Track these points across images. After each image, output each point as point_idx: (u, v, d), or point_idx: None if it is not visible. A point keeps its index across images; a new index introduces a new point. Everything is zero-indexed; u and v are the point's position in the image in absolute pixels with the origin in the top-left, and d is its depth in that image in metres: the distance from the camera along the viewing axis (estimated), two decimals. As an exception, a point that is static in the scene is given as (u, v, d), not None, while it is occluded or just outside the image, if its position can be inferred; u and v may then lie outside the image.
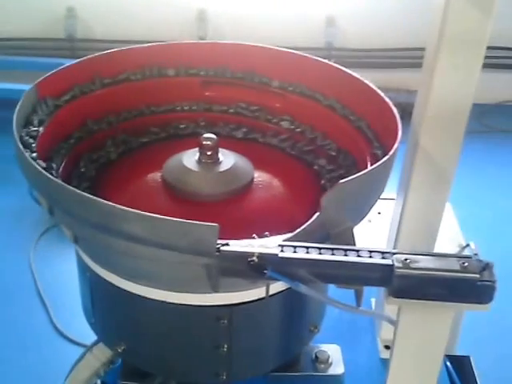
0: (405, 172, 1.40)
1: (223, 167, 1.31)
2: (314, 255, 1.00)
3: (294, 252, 1.00)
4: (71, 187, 1.05)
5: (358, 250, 1.01)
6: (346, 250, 1.02)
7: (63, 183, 1.07)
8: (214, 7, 3.63)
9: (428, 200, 1.34)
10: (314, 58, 1.48)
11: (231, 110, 1.56)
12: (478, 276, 0.98)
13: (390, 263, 0.99)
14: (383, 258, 1.00)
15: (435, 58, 1.21)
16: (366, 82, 1.38)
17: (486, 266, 0.99)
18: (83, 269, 1.30)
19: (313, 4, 3.79)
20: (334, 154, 1.44)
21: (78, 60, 1.44)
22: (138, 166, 1.40)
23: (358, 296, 1.09)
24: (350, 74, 1.42)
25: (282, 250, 1.00)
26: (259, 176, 1.37)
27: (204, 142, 1.30)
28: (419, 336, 1.06)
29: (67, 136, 1.38)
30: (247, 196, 1.33)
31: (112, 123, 1.47)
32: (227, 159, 1.33)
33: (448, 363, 1.63)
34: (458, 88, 1.21)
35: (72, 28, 3.54)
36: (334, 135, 1.45)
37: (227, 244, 1.01)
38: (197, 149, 1.32)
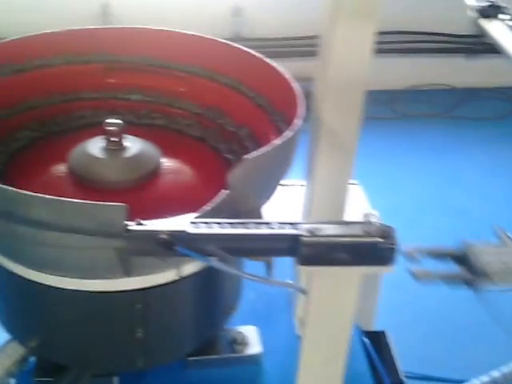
0: (311, 150, 1.47)
1: (129, 153, 1.35)
2: (222, 230, 1.06)
3: (203, 228, 1.06)
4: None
5: (267, 223, 1.08)
6: (255, 224, 1.08)
7: None
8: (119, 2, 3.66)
9: (334, 173, 1.42)
10: (216, 39, 1.54)
11: (135, 97, 1.60)
12: (379, 240, 1.06)
13: (297, 233, 1.06)
14: (289, 228, 1.07)
15: (330, 35, 1.29)
16: (268, 60, 1.44)
17: (387, 231, 1.08)
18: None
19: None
20: (239, 135, 1.50)
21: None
22: (45, 157, 1.42)
23: (269, 268, 1.16)
24: (252, 54, 1.48)
25: (190, 227, 1.06)
26: (167, 161, 1.42)
27: (108, 128, 1.34)
28: (330, 301, 1.14)
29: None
30: (156, 181, 1.37)
31: (17, 113, 1.49)
32: (133, 145, 1.37)
33: (365, 339, 1.72)
34: (352, 62, 1.30)
35: None
36: (238, 116, 1.51)
37: (136, 224, 1.05)
38: (102, 136, 1.36)
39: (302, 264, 1.07)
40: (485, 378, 1.52)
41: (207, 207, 1.11)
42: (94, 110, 1.59)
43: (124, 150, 1.35)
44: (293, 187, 1.86)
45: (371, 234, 1.07)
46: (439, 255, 1.07)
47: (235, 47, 1.52)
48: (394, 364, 1.75)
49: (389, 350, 1.80)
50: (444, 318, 2.83)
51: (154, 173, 1.38)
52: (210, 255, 1.06)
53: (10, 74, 1.50)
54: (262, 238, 1.07)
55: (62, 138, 1.53)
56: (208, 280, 1.31)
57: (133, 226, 1.04)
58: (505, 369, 1.51)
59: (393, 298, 2.66)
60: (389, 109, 4.34)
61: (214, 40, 1.55)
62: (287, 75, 1.39)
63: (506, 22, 1.42)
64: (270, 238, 1.07)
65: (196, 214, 1.11)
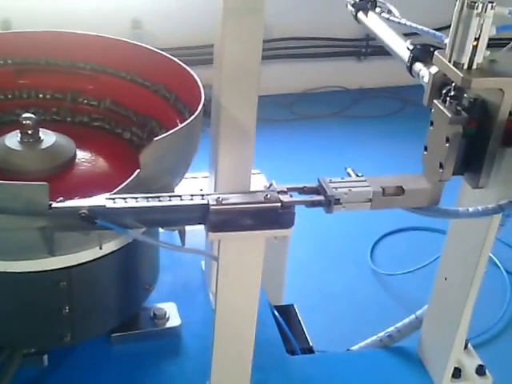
0: (213, 135, 1.56)
1: (45, 145, 1.41)
2: (138, 203, 1.14)
3: (120, 202, 1.14)
4: None
5: (175, 196, 1.17)
6: (164, 197, 1.16)
7: None
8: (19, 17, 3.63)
9: (236, 161, 1.51)
10: (117, 38, 1.62)
11: (47, 96, 1.66)
12: (278, 205, 1.17)
13: (206, 202, 1.15)
14: (197, 199, 1.16)
15: (222, 28, 1.38)
16: (169, 56, 1.53)
17: (287, 201, 1.19)
18: None
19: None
20: (147, 124, 1.58)
21: None
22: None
23: (182, 236, 1.24)
24: (153, 50, 1.57)
25: (109, 202, 1.13)
26: (80, 152, 1.48)
27: (24, 122, 1.39)
28: (238, 264, 1.23)
29: None
30: (71, 170, 1.44)
31: None
32: (48, 138, 1.43)
33: (275, 312, 1.82)
34: (244, 51, 1.39)
35: None
36: (144, 108, 1.60)
37: (58, 201, 1.12)
38: (18, 131, 1.41)
39: (211, 231, 1.16)
40: (380, 334, 1.65)
41: (123, 185, 1.19)
42: (8, 109, 1.63)
43: (40, 142, 1.41)
44: (198, 179, 1.96)
45: (271, 200, 1.17)
46: (304, 191, 1.19)
47: (136, 45, 1.60)
48: (303, 333, 1.86)
49: (298, 321, 1.90)
50: (348, 301, 2.99)
51: (70, 162, 1.43)
52: (128, 227, 1.13)
53: None
54: (175, 208, 1.15)
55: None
56: (127, 257, 1.38)
57: (55, 203, 1.11)
58: (399, 325, 1.65)
59: (300, 282, 2.81)
60: (288, 111, 4.50)
61: (114, 39, 1.63)
62: (188, 68, 1.48)
63: (379, 14, 1.55)
64: (182, 209, 1.15)
65: (113, 192, 1.18)
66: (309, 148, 4.27)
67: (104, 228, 1.12)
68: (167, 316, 1.58)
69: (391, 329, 1.65)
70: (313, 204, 1.18)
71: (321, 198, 1.18)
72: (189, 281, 1.76)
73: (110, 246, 1.31)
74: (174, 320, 1.58)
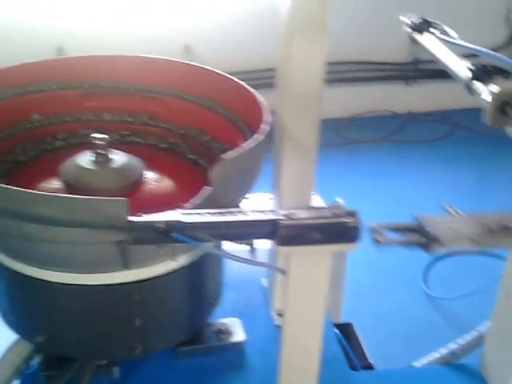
0: (277, 155, 1.60)
1: (116, 164, 1.46)
2: (211, 218, 1.18)
3: (194, 217, 1.18)
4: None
5: (246, 212, 1.20)
6: (236, 213, 1.20)
7: None
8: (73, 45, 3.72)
9: (298, 172, 1.55)
10: (186, 62, 1.67)
11: (114, 118, 1.72)
12: (345, 220, 1.20)
13: (276, 218, 1.18)
14: (268, 215, 1.20)
15: (286, 51, 1.42)
16: (234, 78, 1.58)
17: (352, 213, 1.21)
18: (-4, 270, 1.39)
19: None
20: (210, 145, 1.63)
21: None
22: (38, 172, 1.52)
23: (252, 251, 1.27)
24: (220, 74, 1.62)
25: (183, 217, 1.17)
26: (148, 172, 1.53)
27: (95, 142, 1.44)
28: (306, 277, 1.26)
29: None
30: (140, 189, 1.48)
31: (11, 134, 1.59)
32: (118, 158, 1.48)
33: (335, 329, 1.84)
34: (308, 74, 1.43)
35: None
36: (209, 130, 1.64)
37: (136, 216, 1.16)
38: (89, 151, 1.46)
39: (281, 245, 1.19)
40: (443, 350, 1.65)
41: (195, 201, 1.23)
42: (78, 130, 1.69)
43: (110, 161, 1.46)
44: (262, 200, 1.99)
45: (339, 215, 1.20)
46: (398, 229, 1.20)
47: (203, 68, 1.65)
48: (362, 350, 1.86)
49: (357, 339, 1.91)
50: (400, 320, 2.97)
51: (139, 182, 1.48)
52: (201, 240, 1.17)
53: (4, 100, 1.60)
54: (246, 223, 1.18)
55: (51, 156, 1.62)
56: (196, 272, 1.42)
57: (134, 218, 1.15)
58: (461, 341, 1.65)
59: (354, 305, 2.81)
60: (336, 135, 4.52)
61: (182, 63, 1.68)
62: (252, 90, 1.52)
63: (436, 34, 1.58)
64: (253, 223, 1.19)
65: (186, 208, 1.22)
66: (357, 173, 4.27)
67: (179, 241, 1.16)
68: (231, 331, 1.60)
69: (452, 345, 1.65)
70: (410, 243, 1.17)
71: (419, 237, 1.16)
72: (250, 297, 1.79)
73: (179, 261, 1.35)
74: (238, 335, 1.60)
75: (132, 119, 1.73)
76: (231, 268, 1.63)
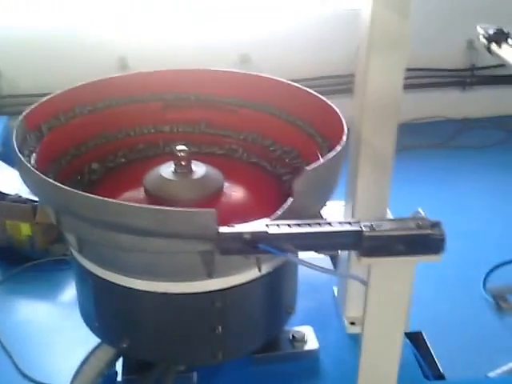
0: (352, 165, 1.61)
1: (197, 175, 1.49)
2: (296, 229, 1.19)
3: (279, 228, 1.20)
4: (84, 193, 1.20)
5: (330, 223, 1.22)
6: (320, 224, 1.22)
7: (77, 190, 1.21)
8: (135, 55, 3.78)
9: (374, 181, 1.55)
10: (262, 75, 1.69)
11: (194, 130, 1.75)
12: (429, 232, 1.20)
13: (360, 229, 1.19)
14: (352, 226, 1.21)
15: (366, 61, 1.44)
16: (310, 90, 1.59)
17: (436, 224, 1.22)
18: (85, 277, 1.43)
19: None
20: (287, 156, 1.64)
21: (57, 93, 1.59)
22: (121, 181, 1.56)
23: (334, 261, 1.28)
24: (296, 86, 1.63)
25: (269, 228, 1.19)
26: (228, 183, 1.55)
27: (178, 154, 1.47)
28: (388, 288, 1.26)
29: (56, 158, 1.53)
30: (220, 199, 1.50)
31: (92, 147, 1.63)
32: (199, 169, 1.50)
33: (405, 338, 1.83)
34: (387, 85, 1.44)
35: (-3, 86, 3.66)
36: (285, 141, 1.65)
37: (223, 227, 1.18)
38: (172, 162, 1.49)
39: (364, 256, 1.20)
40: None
41: (279, 212, 1.24)
42: (156, 142, 1.73)
43: (192, 172, 1.49)
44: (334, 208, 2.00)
45: (423, 227, 1.20)
46: None
47: (277, 80, 1.67)
48: (433, 360, 1.85)
49: (427, 348, 1.90)
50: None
51: (218, 192, 1.50)
52: (287, 251, 1.19)
53: (90, 113, 1.65)
54: (330, 234, 1.19)
55: (132, 166, 1.66)
56: (275, 281, 1.44)
57: (222, 228, 1.17)
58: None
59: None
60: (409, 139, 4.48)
61: (259, 76, 1.71)
62: (329, 102, 1.53)
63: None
64: (337, 234, 1.20)
65: (269, 219, 1.24)
66: (411, 178, 4.23)
67: (265, 252, 1.18)
68: (305, 339, 1.62)
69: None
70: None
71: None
72: (322, 305, 1.80)
73: (257, 272, 1.37)
74: (311, 343, 1.62)
75: (208, 130, 1.75)
76: (302, 275, 1.65)
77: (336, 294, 1.82)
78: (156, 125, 1.75)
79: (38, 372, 2.02)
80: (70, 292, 3.18)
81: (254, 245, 1.17)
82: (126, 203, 1.17)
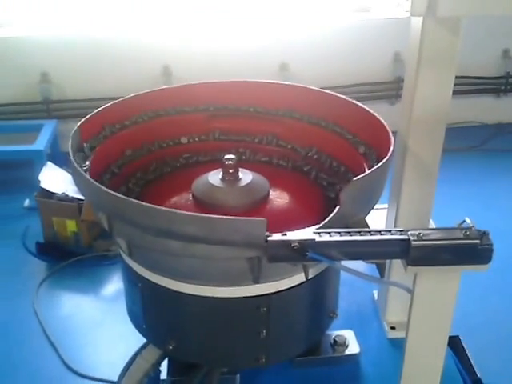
0: (396, 173, 1.59)
1: (244, 183, 1.48)
2: (343, 237, 1.18)
3: (327, 236, 1.18)
4: (135, 200, 1.21)
5: (379, 231, 1.20)
6: (369, 232, 1.20)
7: (128, 198, 1.22)
8: (177, 63, 3.79)
9: (419, 191, 1.53)
10: (305, 86, 1.69)
11: (239, 138, 1.75)
12: (478, 241, 1.17)
13: (407, 238, 1.18)
14: (400, 235, 1.19)
15: (416, 74, 1.42)
16: (356, 102, 1.58)
17: (484, 234, 1.19)
18: (134, 281, 1.43)
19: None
20: (331, 165, 1.63)
21: (110, 104, 1.60)
22: (169, 188, 1.56)
23: (382, 270, 1.27)
24: (342, 98, 1.62)
25: (317, 236, 1.18)
26: (273, 190, 1.55)
27: (226, 162, 1.47)
28: (433, 297, 1.24)
29: (108, 167, 1.54)
30: (266, 206, 1.50)
31: (141, 155, 1.64)
32: (246, 176, 1.50)
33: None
34: (436, 96, 1.43)
35: (47, 91, 3.70)
36: (328, 150, 1.65)
37: (272, 235, 1.18)
38: (219, 169, 1.49)
39: (411, 265, 1.18)
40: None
41: (327, 220, 1.23)
42: (203, 150, 1.73)
43: (239, 180, 1.48)
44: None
45: (471, 237, 1.18)
46: None
47: (322, 92, 1.66)
48: (470, 364, 1.82)
49: (464, 352, 1.87)
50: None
51: (264, 199, 1.50)
52: (334, 259, 1.18)
53: (140, 123, 1.67)
54: (378, 243, 1.18)
55: (180, 174, 1.66)
56: (318, 286, 1.43)
57: (271, 237, 1.17)
58: None
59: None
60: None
61: (297, 86, 1.71)
62: (374, 113, 1.52)
63: None
64: (384, 243, 1.18)
65: (316, 227, 1.23)
66: (447, 180, 4.19)
67: (313, 260, 1.17)
68: (346, 343, 1.60)
69: None
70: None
71: None
72: (362, 309, 1.78)
73: (302, 277, 1.35)
74: (352, 347, 1.60)
75: (252, 139, 1.74)
76: (342, 278, 1.64)
77: (376, 298, 1.80)
78: (202, 134, 1.75)
79: (81, 365, 2.05)
80: (112, 287, 3.21)
81: (303, 253, 1.16)
82: (178, 211, 1.17)
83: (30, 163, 3.49)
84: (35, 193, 2.98)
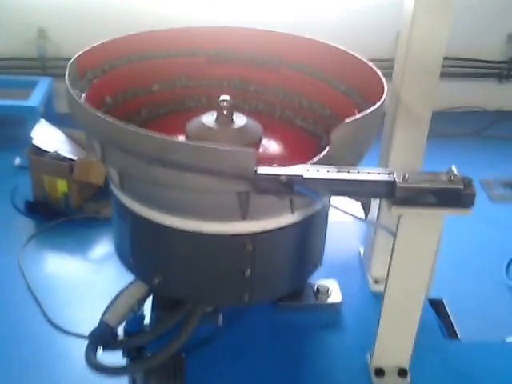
0: (389, 118, 1.62)
1: (238, 125, 1.51)
2: (332, 175, 1.22)
3: (315, 173, 1.22)
4: (128, 126, 1.23)
5: (367, 171, 1.24)
6: (356, 171, 1.24)
7: (121, 123, 1.24)
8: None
9: (410, 141, 1.56)
10: (305, 36, 1.71)
11: (234, 85, 1.77)
12: (461, 187, 1.21)
13: (393, 179, 1.21)
14: (386, 175, 1.23)
15: (412, 20, 1.44)
16: (351, 51, 1.60)
17: (468, 181, 1.23)
18: (123, 214, 1.46)
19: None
20: (322, 114, 1.66)
21: (109, 40, 1.63)
22: (164, 129, 1.59)
23: (366, 210, 1.30)
24: (336, 47, 1.64)
25: (305, 172, 1.21)
26: (265, 137, 1.58)
27: (221, 104, 1.50)
28: (415, 240, 1.28)
29: (103, 103, 1.57)
30: (259, 149, 1.53)
31: (141, 94, 1.67)
32: (240, 120, 1.53)
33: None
34: (431, 44, 1.45)
35: (43, 48, 3.70)
36: (321, 100, 1.67)
37: (260, 168, 1.21)
38: (214, 111, 1.52)
39: (396, 205, 1.22)
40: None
41: (315, 159, 1.26)
42: (200, 95, 1.76)
43: (233, 122, 1.51)
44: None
45: (455, 182, 1.22)
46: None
47: (317, 41, 1.68)
48: (452, 326, 1.86)
49: (447, 314, 1.91)
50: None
51: (257, 144, 1.53)
52: (320, 194, 1.21)
53: (138, 61, 1.69)
54: (364, 182, 1.22)
55: (175, 116, 1.69)
56: (304, 231, 1.46)
57: (260, 168, 1.20)
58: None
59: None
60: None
61: (295, 36, 1.73)
62: (369, 62, 1.54)
63: None
64: (371, 183, 1.22)
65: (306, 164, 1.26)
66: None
67: (300, 194, 1.20)
68: (329, 292, 1.64)
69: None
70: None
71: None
72: (347, 263, 1.82)
73: (290, 219, 1.39)
74: (335, 296, 1.64)
75: (248, 87, 1.77)
76: (330, 236, 1.67)
77: (362, 253, 1.83)
78: (199, 78, 1.77)
79: (65, 322, 2.07)
80: (100, 249, 3.24)
81: (290, 186, 1.20)
82: (169, 138, 1.19)
83: (23, 121, 3.46)
84: (27, 150, 2.97)
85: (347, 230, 1.93)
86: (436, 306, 1.89)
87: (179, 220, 1.36)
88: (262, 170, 1.20)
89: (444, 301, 1.94)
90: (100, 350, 1.48)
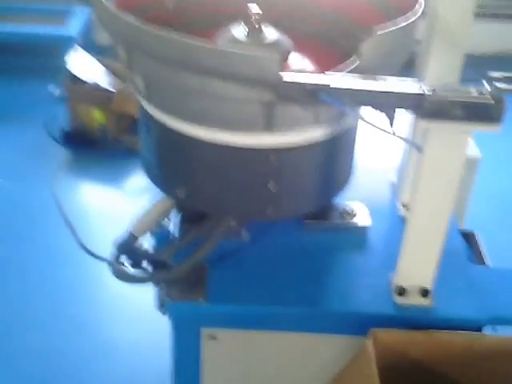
0: (426, 38, 1.57)
1: (268, 39, 1.49)
2: (360, 85, 1.20)
3: (343, 82, 1.20)
4: (153, 28, 1.23)
5: (394, 82, 1.22)
6: (385, 82, 1.22)
7: (146, 26, 1.24)
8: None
9: (446, 61, 1.52)
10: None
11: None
12: (492, 102, 1.19)
13: (422, 91, 1.19)
14: (416, 87, 1.21)
15: None
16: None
17: (498, 95, 1.20)
18: (149, 125, 1.48)
19: None
20: (354, 31, 1.63)
21: None
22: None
23: (391, 121, 1.28)
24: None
25: (331, 81, 1.20)
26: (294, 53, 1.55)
27: (251, 15, 1.47)
28: (442, 157, 1.27)
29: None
30: (287, 66, 1.51)
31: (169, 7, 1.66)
32: (270, 33, 1.50)
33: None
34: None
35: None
36: (356, 16, 1.64)
37: (287, 74, 1.20)
38: (244, 24, 1.49)
39: (424, 118, 1.20)
40: None
41: (343, 68, 1.25)
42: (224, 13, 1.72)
43: (262, 36, 1.49)
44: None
45: (485, 96, 1.19)
46: None
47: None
48: (482, 259, 1.85)
49: (478, 247, 1.90)
50: None
51: (286, 59, 1.51)
52: (347, 105, 1.20)
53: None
54: (393, 93, 1.20)
55: (204, 31, 1.67)
56: (332, 148, 1.46)
57: (285, 74, 1.19)
58: None
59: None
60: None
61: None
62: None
63: None
64: (400, 94, 1.20)
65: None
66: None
67: (325, 103, 1.19)
68: (356, 213, 1.64)
69: None
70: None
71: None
72: (378, 189, 1.82)
73: (316, 134, 1.38)
74: (363, 218, 1.64)
75: (275, 3, 1.74)
76: (361, 162, 1.67)
77: (395, 180, 1.82)
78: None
79: (95, 247, 2.11)
80: (134, 181, 3.28)
81: (315, 95, 1.19)
82: (194, 41, 1.19)
83: (57, 51, 3.42)
84: (64, 79, 2.97)
85: (383, 160, 1.92)
86: (467, 238, 1.88)
87: (204, 130, 1.37)
88: (288, 77, 1.20)
89: (476, 233, 1.92)
90: (125, 261, 1.51)
